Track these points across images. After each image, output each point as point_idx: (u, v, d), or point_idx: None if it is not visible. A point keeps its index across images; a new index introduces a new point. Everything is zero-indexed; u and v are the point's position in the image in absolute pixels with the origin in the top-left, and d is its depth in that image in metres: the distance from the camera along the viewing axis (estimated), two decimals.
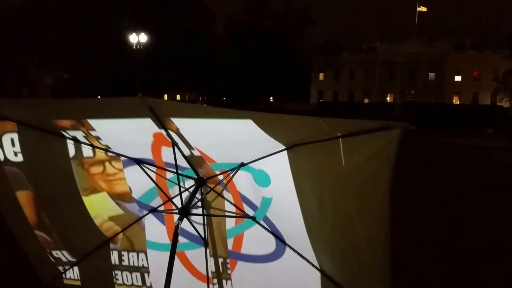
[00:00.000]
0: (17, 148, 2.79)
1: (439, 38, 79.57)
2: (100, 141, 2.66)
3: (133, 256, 3.17)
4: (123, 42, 41.18)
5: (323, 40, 74.56)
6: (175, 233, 2.47)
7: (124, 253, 3.17)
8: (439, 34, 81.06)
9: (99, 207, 2.96)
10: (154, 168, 2.78)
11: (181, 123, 2.34)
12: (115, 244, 3.14)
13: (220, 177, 2.65)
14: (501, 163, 17.83)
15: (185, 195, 2.76)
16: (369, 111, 48.45)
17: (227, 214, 2.82)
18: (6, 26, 48.82)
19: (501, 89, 63.97)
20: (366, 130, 1.95)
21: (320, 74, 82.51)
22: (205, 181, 2.72)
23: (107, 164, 2.81)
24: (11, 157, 2.82)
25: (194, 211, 2.76)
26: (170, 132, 2.41)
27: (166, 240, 2.97)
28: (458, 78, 79.30)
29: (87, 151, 2.76)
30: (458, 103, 72.39)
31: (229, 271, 2.96)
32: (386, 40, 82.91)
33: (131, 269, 3.20)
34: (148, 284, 3.21)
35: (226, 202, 2.79)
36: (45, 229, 3.08)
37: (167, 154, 2.62)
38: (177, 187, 2.74)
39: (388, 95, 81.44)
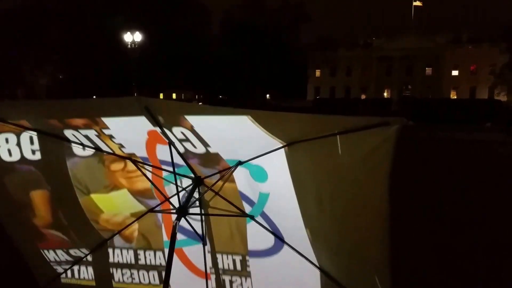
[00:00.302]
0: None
1: (436, 33, 79.47)
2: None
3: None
4: (118, 41, 41.05)
5: (319, 36, 74.33)
6: (173, 233, 2.47)
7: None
8: (436, 28, 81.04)
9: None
10: (151, 167, 2.78)
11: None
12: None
13: (218, 175, 2.66)
14: (500, 158, 17.77)
15: (183, 194, 2.77)
16: (366, 107, 48.44)
17: (225, 213, 2.78)
18: (1, 27, 48.58)
19: (499, 83, 63.91)
20: (364, 127, 1.95)
21: (317, 70, 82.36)
22: (202, 180, 2.69)
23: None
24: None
25: (192, 210, 2.75)
26: (177, 129, 2.40)
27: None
28: (455, 73, 79.20)
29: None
30: (455, 97, 72.38)
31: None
32: (382, 35, 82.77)
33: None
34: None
35: (224, 200, 2.76)
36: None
37: (161, 152, 2.63)
38: (174, 185, 2.73)
39: (386, 90, 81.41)
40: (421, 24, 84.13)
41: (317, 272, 2.65)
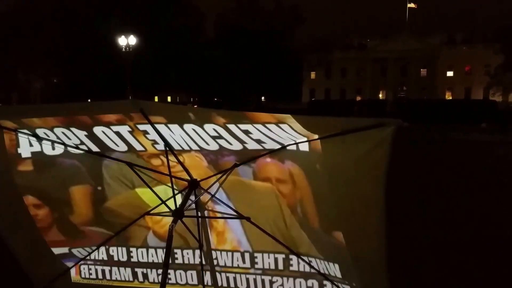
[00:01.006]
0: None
1: (430, 34, 79.70)
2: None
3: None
4: (112, 45, 40.98)
5: (314, 38, 74.23)
6: (169, 236, 2.44)
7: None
8: (430, 29, 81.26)
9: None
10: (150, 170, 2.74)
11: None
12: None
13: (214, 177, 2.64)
14: (496, 157, 17.88)
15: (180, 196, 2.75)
16: (361, 108, 48.59)
17: (221, 215, 2.78)
18: None
19: (493, 83, 64.05)
20: (360, 128, 1.96)
21: (312, 72, 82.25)
22: (198, 183, 2.68)
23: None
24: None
25: (191, 212, 2.73)
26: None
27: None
28: (450, 74, 79.51)
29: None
30: (450, 98, 72.57)
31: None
32: (377, 37, 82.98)
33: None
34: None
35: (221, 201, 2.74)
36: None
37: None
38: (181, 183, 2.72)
39: (380, 92, 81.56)
40: (416, 25, 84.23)
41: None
